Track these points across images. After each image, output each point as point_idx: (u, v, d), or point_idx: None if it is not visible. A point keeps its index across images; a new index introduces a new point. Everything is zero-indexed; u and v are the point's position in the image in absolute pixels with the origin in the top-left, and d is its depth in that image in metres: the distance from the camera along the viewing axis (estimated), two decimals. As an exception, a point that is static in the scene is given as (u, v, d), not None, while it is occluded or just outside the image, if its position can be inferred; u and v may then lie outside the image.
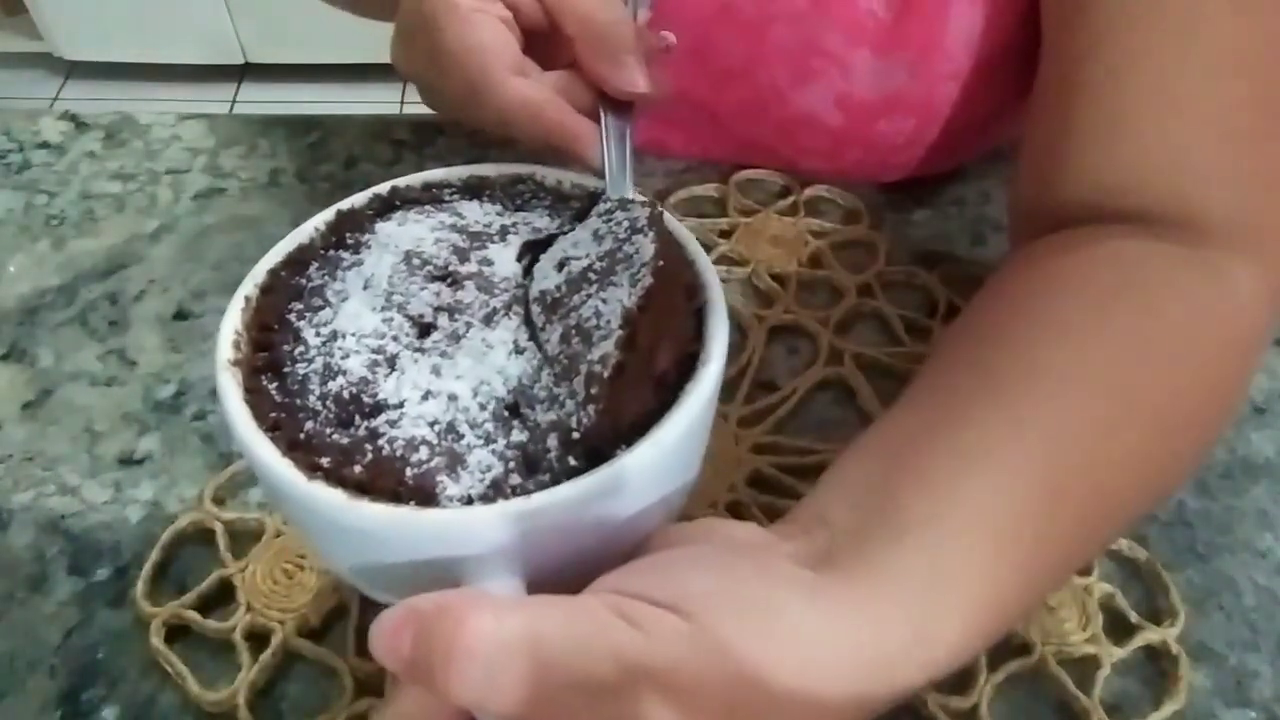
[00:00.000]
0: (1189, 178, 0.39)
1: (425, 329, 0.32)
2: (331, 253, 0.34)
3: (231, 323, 0.32)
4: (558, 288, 0.31)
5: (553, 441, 0.29)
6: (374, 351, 0.31)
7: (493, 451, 0.29)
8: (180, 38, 2.05)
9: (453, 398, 0.30)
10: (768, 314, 0.51)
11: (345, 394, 0.30)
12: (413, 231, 0.34)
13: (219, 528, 0.41)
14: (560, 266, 0.32)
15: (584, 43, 0.38)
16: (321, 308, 0.32)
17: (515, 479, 0.28)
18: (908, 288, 0.53)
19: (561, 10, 0.38)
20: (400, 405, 0.30)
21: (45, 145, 0.61)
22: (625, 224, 0.32)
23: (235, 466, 0.44)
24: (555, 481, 0.28)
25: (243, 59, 2.09)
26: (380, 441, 0.29)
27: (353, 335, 0.31)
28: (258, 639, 0.39)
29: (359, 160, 0.59)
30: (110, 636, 0.39)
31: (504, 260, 0.34)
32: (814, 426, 0.47)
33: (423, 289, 0.32)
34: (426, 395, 0.30)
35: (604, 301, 0.30)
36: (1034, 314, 0.36)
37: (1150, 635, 0.39)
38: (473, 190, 0.37)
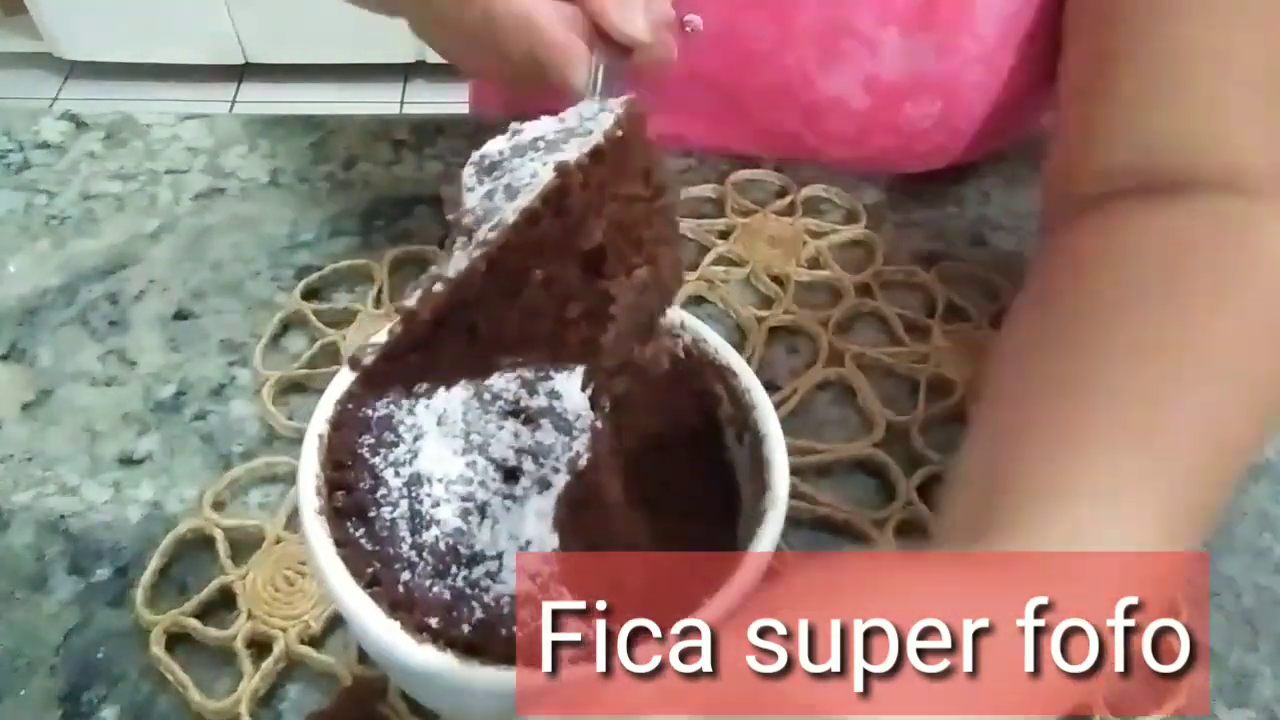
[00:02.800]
0: (1232, 131, 0.39)
1: (510, 473, 0.32)
2: None
3: (311, 466, 0.31)
4: (500, 152, 0.28)
5: (415, 292, 0.25)
6: (464, 499, 0.31)
7: None
8: (180, 38, 2.05)
9: (556, 550, 0.30)
10: (767, 314, 0.51)
11: (441, 545, 0.30)
12: None
13: (219, 534, 0.41)
14: (511, 135, 0.29)
15: None
16: (395, 443, 0.32)
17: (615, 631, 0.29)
18: (907, 287, 0.53)
19: None
20: (499, 556, 0.30)
21: (45, 145, 0.61)
22: (595, 108, 0.29)
23: (234, 471, 0.44)
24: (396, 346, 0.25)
25: (243, 59, 2.09)
26: (485, 598, 0.29)
27: (439, 481, 0.31)
28: (259, 646, 0.38)
29: (359, 160, 0.59)
30: (110, 637, 0.39)
31: (571, 392, 0.33)
32: (814, 426, 0.47)
33: (500, 428, 0.32)
34: (526, 545, 0.30)
35: (544, 165, 0.26)
36: (1120, 291, 0.35)
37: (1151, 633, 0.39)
38: None
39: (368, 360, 0.25)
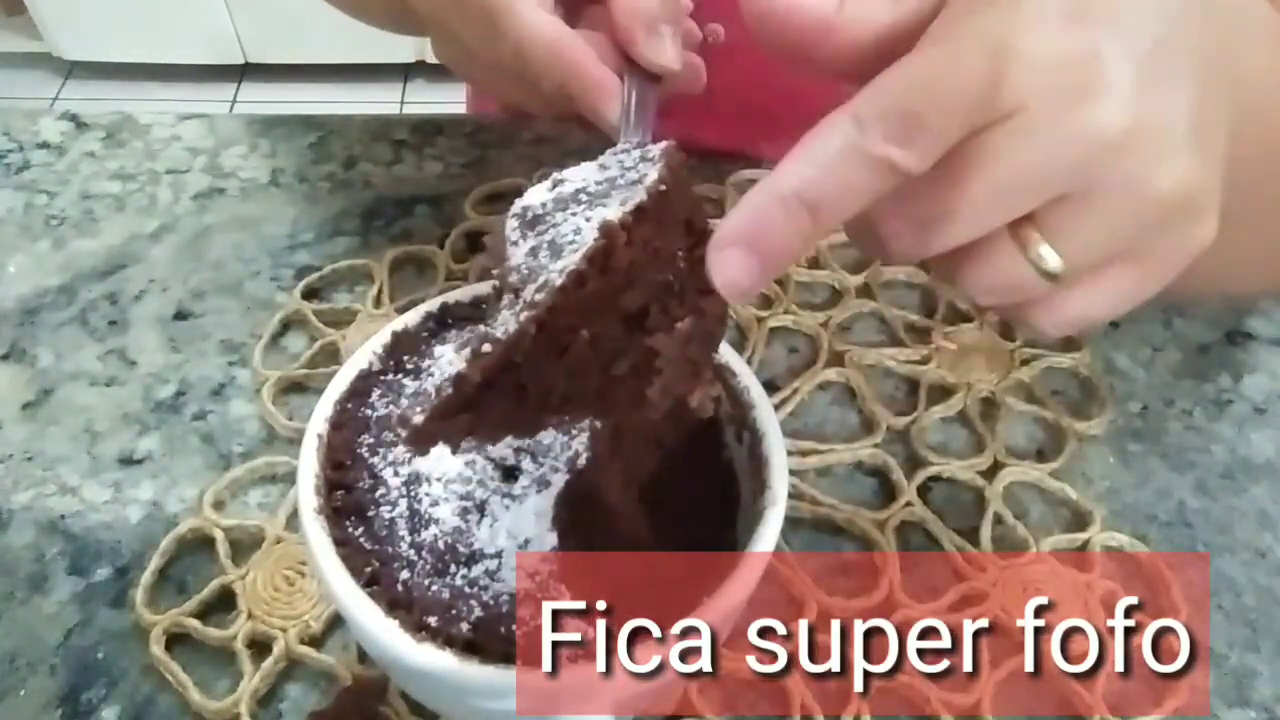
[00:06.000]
0: None
1: (509, 471, 0.32)
2: (392, 377, 0.35)
3: (310, 465, 0.31)
4: (543, 205, 0.28)
5: (464, 352, 0.25)
6: (463, 498, 0.31)
7: None
8: (180, 38, 2.05)
9: (555, 549, 0.30)
10: (767, 314, 0.51)
11: (440, 544, 0.30)
12: None
13: (219, 534, 0.41)
14: (553, 186, 0.29)
15: (620, 4, 0.35)
16: (394, 443, 0.32)
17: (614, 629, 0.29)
18: (908, 288, 0.53)
19: None
20: (498, 555, 0.30)
21: (45, 145, 0.61)
22: (635, 155, 0.29)
23: (234, 471, 0.44)
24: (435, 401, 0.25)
25: (243, 59, 2.09)
26: (485, 596, 0.29)
27: (438, 480, 0.31)
28: (259, 646, 0.38)
29: (359, 160, 0.59)
30: (110, 637, 0.39)
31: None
32: (814, 426, 0.47)
33: None
34: (525, 544, 0.30)
35: (587, 220, 0.25)
36: None
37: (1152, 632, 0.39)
38: None
39: (417, 419, 0.25)
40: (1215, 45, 0.26)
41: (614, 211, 0.24)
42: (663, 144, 0.28)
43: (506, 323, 0.24)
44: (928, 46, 0.23)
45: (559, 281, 0.23)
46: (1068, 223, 0.24)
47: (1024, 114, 0.23)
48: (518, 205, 0.28)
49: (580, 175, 0.28)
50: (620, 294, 0.25)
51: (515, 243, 0.27)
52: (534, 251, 0.26)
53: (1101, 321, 0.27)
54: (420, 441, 0.26)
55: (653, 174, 0.26)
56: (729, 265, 0.23)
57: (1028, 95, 0.23)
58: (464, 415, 0.25)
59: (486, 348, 0.24)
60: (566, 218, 0.26)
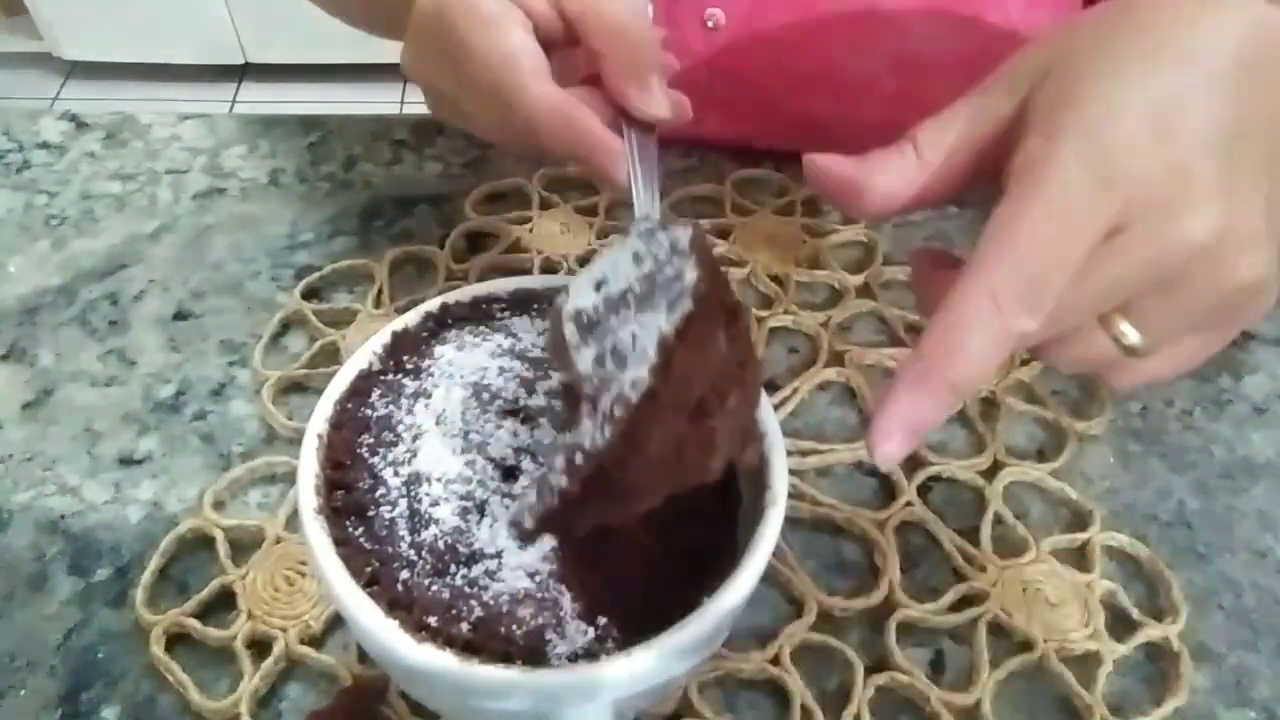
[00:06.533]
0: None
1: (509, 471, 0.32)
2: (392, 377, 0.35)
3: (310, 465, 0.32)
4: (595, 308, 0.31)
5: (558, 461, 0.28)
6: (463, 498, 0.31)
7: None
8: (180, 38, 2.05)
9: (554, 548, 0.30)
10: (767, 314, 0.51)
11: (440, 544, 0.30)
12: (474, 359, 0.35)
13: (219, 534, 0.41)
14: (598, 287, 0.31)
15: (612, 60, 0.36)
16: (394, 443, 0.33)
17: (613, 629, 0.29)
18: (908, 288, 0.53)
19: (587, 22, 0.36)
20: (498, 555, 0.30)
21: (45, 145, 0.61)
22: (665, 245, 0.31)
23: (234, 471, 0.44)
24: (556, 504, 0.28)
25: (243, 59, 2.09)
26: (485, 596, 0.29)
27: (438, 480, 0.31)
28: (259, 646, 0.38)
29: (359, 160, 0.59)
30: (110, 637, 0.39)
31: (570, 391, 0.33)
32: (814, 426, 0.47)
33: (499, 427, 0.33)
34: (525, 545, 0.30)
35: (641, 326, 0.29)
36: None
37: (1152, 632, 0.39)
38: (521, 305, 0.38)
39: (528, 524, 0.28)
40: (1275, 114, 0.28)
41: (664, 319, 0.28)
42: (689, 232, 0.30)
43: (591, 433, 0.27)
44: (1032, 195, 0.25)
45: (634, 399, 0.27)
46: (1151, 310, 0.26)
47: (1125, 234, 0.25)
48: (570, 308, 0.31)
49: (620, 272, 0.31)
50: (684, 394, 0.28)
51: (577, 347, 0.30)
52: (600, 359, 0.29)
53: (1168, 380, 0.30)
54: (529, 540, 0.30)
55: (689, 273, 0.28)
56: (894, 448, 0.26)
57: (1128, 220, 0.25)
58: (562, 516, 0.28)
59: (579, 459, 0.27)
60: (621, 324, 0.29)
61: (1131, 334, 0.26)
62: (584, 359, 0.29)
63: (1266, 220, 0.26)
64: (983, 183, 0.29)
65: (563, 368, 0.30)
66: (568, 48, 0.38)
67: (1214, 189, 0.25)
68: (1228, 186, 0.25)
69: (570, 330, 0.30)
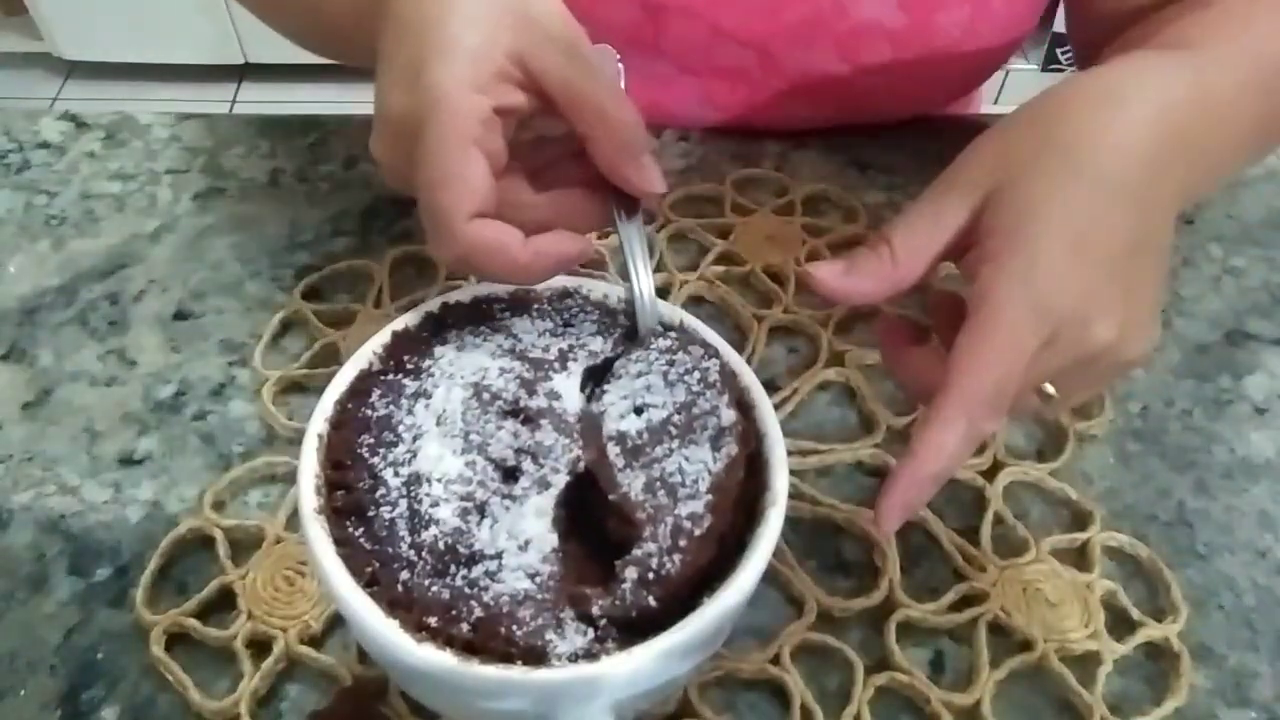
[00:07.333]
0: None
1: (509, 472, 0.32)
2: (392, 377, 0.35)
3: (310, 466, 0.32)
4: (639, 434, 0.33)
5: (630, 574, 0.30)
6: (463, 499, 0.31)
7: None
8: (180, 38, 2.05)
9: (555, 549, 0.30)
10: (767, 314, 0.51)
11: (441, 544, 0.30)
12: (474, 359, 0.35)
13: (219, 534, 0.41)
14: (639, 411, 0.33)
15: (604, 144, 0.36)
16: (394, 443, 0.32)
17: (613, 630, 0.29)
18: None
19: (574, 106, 0.35)
20: (498, 555, 0.30)
21: (45, 145, 0.61)
22: (696, 375, 0.34)
23: (234, 471, 0.44)
24: (628, 612, 0.29)
25: (243, 59, 2.09)
26: (485, 596, 0.29)
27: (438, 481, 0.31)
28: (259, 646, 0.38)
29: (359, 160, 0.59)
30: (110, 637, 0.39)
31: (570, 392, 0.34)
32: (814, 426, 0.47)
33: (499, 428, 0.33)
34: (526, 545, 0.30)
35: (686, 459, 0.32)
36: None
37: (1152, 631, 0.39)
38: (521, 305, 0.38)
39: (595, 612, 0.30)
40: (1183, 185, 0.37)
41: (708, 455, 0.32)
42: (716, 363, 0.34)
43: (658, 556, 0.30)
44: (989, 330, 0.32)
45: (697, 533, 0.30)
46: (1067, 379, 0.35)
47: (1053, 345, 0.33)
48: (612, 429, 0.33)
49: (657, 398, 0.34)
50: (734, 509, 0.32)
51: (623, 469, 0.32)
52: (649, 488, 0.31)
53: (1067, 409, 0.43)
54: (589, 624, 0.31)
55: (725, 412, 0.33)
56: (895, 524, 0.33)
57: (1055, 334, 0.33)
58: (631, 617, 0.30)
59: (651, 577, 0.30)
60: (666, 453, 0.32)
61: (1051, 389, 0.35)
62: (634, 484, 0.31)
63: (1153, 306, 0.36)
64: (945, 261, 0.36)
65: (607, 487, 0.31)
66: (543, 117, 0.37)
67: (1115, 303, 0.33)
68: (1126, 295, 0.34)
69: (614, 452, 0.32)
